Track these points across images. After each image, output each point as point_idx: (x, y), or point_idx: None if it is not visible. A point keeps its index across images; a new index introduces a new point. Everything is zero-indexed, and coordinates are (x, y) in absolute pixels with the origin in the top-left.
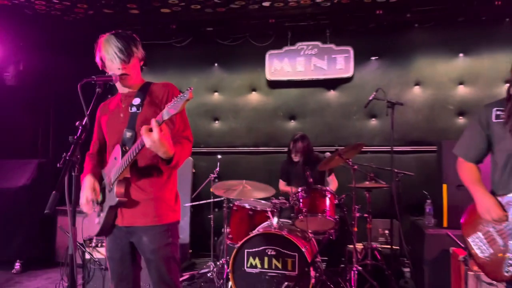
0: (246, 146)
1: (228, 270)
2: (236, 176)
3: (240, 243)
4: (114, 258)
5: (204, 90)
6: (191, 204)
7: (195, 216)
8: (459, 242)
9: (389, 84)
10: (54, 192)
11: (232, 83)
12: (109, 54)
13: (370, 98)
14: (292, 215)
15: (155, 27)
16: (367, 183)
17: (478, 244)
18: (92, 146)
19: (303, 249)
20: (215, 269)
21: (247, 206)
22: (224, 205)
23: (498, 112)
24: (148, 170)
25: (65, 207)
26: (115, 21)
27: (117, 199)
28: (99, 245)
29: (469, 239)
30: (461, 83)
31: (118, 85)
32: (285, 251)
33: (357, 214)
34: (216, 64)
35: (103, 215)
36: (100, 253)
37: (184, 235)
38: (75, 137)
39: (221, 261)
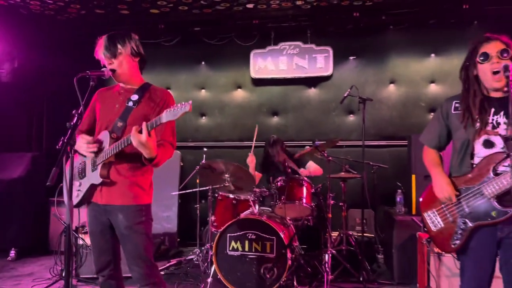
0: (231, 141)
1: (211, 253)
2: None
3: (222, 228)
4: (94, 232)
5: (192, 87)
6: (178, 192)
7: (182, 207)
8: (422, 226)
9: (366, 82)
10: (54, 168)
11: (218, 81)
12: (101, 52)
13: (345, 95)
14: (272, 203)
15: (145, 27)
16: (342, 174)
17: (432, 219)
18: (81, 125)
19: (281, 233)
20: (200, 255)
21: (231, 196)
22: (209, 194)
23: (457, 105)
24: (129, 158)
25: (58, 198)
26: (106, 21)
27: (101, 179)
28: None
29: (425, 215)
30: (432, 82)
31: (118, 80)
32: (264, 235)
33: (332, 202)
34: (203, 63)
35: (82, 189)
36: None
37: (172, 224)
38: (72, 123)
39: (205, 247)
